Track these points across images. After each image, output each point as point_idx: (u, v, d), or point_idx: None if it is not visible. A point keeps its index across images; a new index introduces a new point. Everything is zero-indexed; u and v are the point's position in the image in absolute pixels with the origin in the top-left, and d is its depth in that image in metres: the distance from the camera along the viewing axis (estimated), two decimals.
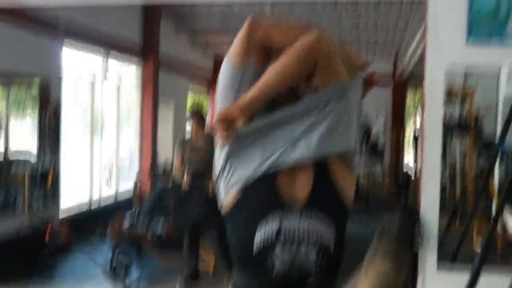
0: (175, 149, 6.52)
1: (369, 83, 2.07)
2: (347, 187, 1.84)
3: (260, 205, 1.74)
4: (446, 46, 4.72)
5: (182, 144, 6.39)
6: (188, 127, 6.90)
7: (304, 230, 1.68)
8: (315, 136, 1.79)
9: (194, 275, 6.16)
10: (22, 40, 7.15)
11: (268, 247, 1.67)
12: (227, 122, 1.73)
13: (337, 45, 1.97)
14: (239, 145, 1.84)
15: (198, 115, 6.33)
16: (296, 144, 1.79)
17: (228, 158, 1.86)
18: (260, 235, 1.68)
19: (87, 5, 6.56)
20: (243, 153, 1.84)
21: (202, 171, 5.77)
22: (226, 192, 1.84)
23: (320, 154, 1.80)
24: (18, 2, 5.58)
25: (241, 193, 1.78)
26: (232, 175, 1.83)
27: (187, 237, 6.24)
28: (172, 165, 8.91)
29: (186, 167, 6.13)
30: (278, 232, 1.67)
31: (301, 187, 1.77)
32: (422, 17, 8.48)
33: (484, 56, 4.72)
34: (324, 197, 1.79)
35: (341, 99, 1.83)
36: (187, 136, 7.06)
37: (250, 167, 1.80)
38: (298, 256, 1.67)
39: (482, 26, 4.73)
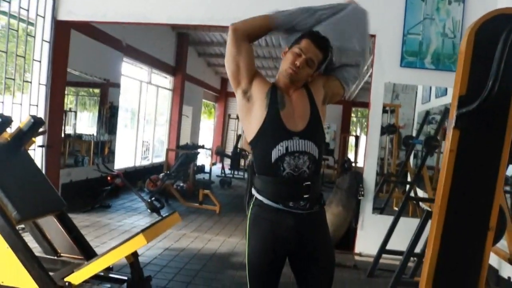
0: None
1: None
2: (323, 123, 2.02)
3: (273, 136, 1.89)
4: (386, 68, 5.00)
5: None
6: None
7: (301, 147, 1.87)
8: None
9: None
10: (95, 49, 7.22)
11: (281, 157, 1.85)
12: None
13: None
14: None
15: None
16: None
17: None
18: (275, 151, 1.86)
19: (137, 24, 6.62)
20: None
21: None
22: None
23: None
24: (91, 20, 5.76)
25: (261, 129, 1.91)
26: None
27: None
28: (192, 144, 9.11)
29: None
30: (286, 149, 1.86)
31: (301, 122, 1.91)
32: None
33: (410, 76, 5.01)
34: (314, 129, 1.94)
35: None
36: None
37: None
38: (298, 162, 1.86)
39: (410, 58, 5.03)
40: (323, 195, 2.06)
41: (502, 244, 3.46)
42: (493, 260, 4.05)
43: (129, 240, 2.67)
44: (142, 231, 2.68)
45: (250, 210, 1.99)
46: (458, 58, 2.17)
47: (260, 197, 1.95)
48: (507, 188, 4.34)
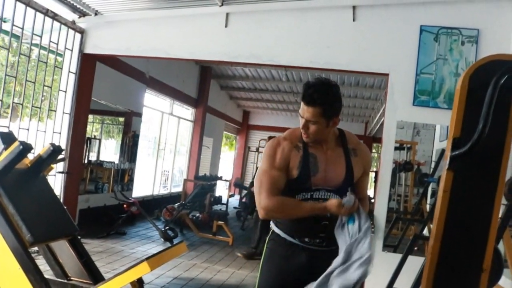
0: None
1: None
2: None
3: (301, 188, 1.96)
4: (398, 106, 5.06)
5: None
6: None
7: (326, 196, 1.95)
8: None
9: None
10: (119, 81, 7.49)
11: (305, 200, 1.94)
12: None
13: None
14: None
15: None
16: None
17: None
18: (300, 196, 1.95)
19: (159, 59, 6.84)
20: None
21: None
22: None
23: None
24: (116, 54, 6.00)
25: (291, 181, 1.98)
26: None
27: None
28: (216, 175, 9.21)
29: None
30: (311, 195, 1.95)
31: (333, 183, 1.99)
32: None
33: (422, 114, 5.05)
34: (343, 188, 1.98)
35: None
36: None
37: None
38: None
39: (422, 97, 5.08)
40: None
41: None
42: None
43: (134, 267, 2.75)
44: (147, 259, 2.76)
45: (266, 244, 2.08)
46: (454, 101, 2.24)
47: (277, 230, 2.04)
48: None
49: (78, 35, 5.66)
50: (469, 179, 2.17)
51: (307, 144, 1.99)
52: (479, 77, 2.18)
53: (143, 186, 9.28)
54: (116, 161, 8.12)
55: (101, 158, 8.24)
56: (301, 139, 2.01)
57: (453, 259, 2.18)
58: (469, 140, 2.06)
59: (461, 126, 2.15)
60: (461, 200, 2.18)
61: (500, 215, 2.90)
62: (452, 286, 2.18)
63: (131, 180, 8.42)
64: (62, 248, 3.55)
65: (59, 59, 5.62)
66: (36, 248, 4.07)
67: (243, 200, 10.55)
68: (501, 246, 3.05)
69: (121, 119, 8.55)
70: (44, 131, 5.32)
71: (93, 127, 8.74)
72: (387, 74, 5.11)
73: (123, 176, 8.20)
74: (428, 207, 6.49)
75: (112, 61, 6.83)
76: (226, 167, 16.22)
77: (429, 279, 2.16)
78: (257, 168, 12.54)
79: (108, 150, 8.84)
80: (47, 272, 3.52)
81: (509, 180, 2.80)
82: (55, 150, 3.58)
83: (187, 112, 11.14)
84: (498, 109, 2.00)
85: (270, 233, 2.07)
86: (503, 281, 3.58)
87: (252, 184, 7.13)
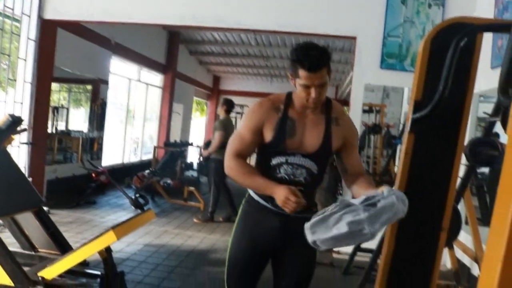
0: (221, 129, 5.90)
1: None
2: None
3: (275, 152, 1.94)
4: (366, 69, 5.07)
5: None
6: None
7: (301, 162, 1.93)
8: None
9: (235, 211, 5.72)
10: (83, 47, 7.23)
11: (280, 163, 1.92)
12: None
13: None
14: None
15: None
16: None
17: None
18: (276, 159, 1.93)
19: (126, 24, 6.54)
20: None
21: None
22: None
23: None
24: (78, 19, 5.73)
25: (266, 145, 1.96)
26: None
27: (225, 188, 6.08)
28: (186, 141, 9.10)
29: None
30: (286, 160, 1.92)
31: (309, 148, 1.94)
32: None
33: (390, 77, 5.08)
34: (319, 155, 1.96)
35: None
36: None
37: None
38: (296, 172, 1.93)
39: (390, 60, 5.10)
40: (317, 205, 2.09)
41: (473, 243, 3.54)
42: (466, 259, 4.14)
43: (100, 236, 2.72)
44: (113, 228, 2.73)
45: (241, 205, 2.09)
46: (415, 64, 2.24)
47: (251, 193, 2.04)
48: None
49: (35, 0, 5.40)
50: (430, 141, 2.20)
51: (288, 107, 1.97)
52: (441, 40, 2.16)
53: (113, 154, 9.14)
54: (85, 130, 7.94)
55: (70, 127, 8.04)
56: (284, 102, 1.98)
57: (414, 219, 2.22)
58: (430, 102, 2.08)
59: (423, 89, 2.16)
60: (422, 162, 2.21)
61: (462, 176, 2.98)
62: (413, 244, 2.24)
63: (100, 148, 8.29)
64: (28, 221, 3.49)
65: (17, 25, 5.37)
66: (0, 222, 3.99)
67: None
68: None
69: (89, 87, 8.31)
70: (5, 102, 5.13)
71: (60, 95, 8.47)
72: (354, 37, 5.10)
73: (92, 145, 8.06)
74: (396, 168, 6.65)
75: (75, 27, 6.54)
76: (198, 132, 16.11)
77: (391, 238, 2.21)
78: (206, 142, 12.35)
79: (77, 119, 8.61)
80: (14, 245, 3.47)
81: (470, 141, 2.86)
82: (15, 120, 3.48)
83: (156, 78, 10.91)
84: (458, 71, 2.01)
85: (246, 195, 2.07)
86: (464, 237, 3.73)
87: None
